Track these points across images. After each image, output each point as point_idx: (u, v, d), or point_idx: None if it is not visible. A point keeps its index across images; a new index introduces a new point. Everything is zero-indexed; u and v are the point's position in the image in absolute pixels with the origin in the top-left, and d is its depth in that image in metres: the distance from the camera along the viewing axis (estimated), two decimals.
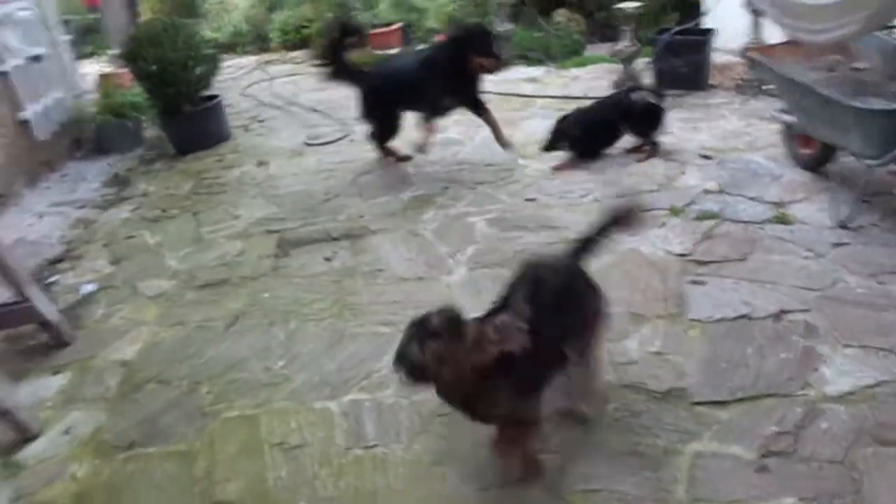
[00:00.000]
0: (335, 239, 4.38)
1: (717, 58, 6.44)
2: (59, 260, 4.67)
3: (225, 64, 7.68)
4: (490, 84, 7.07)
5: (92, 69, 8.75)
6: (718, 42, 6.38)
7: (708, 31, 6.42)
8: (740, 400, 2.67)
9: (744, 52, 4.65)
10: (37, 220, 5.35)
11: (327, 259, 4.15)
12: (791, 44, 4.30)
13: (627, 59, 6.54)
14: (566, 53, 7.77)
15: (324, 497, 2.48)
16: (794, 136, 4.48)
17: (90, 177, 6.25)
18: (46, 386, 3.32)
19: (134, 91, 6.72)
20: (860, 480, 2.26)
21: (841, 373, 2.73)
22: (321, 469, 2.60)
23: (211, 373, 3.24)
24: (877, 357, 2.78)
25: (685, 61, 6.13)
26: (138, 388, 3.21)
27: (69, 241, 4.95)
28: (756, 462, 2.38)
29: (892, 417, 2.48)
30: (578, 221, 4.19)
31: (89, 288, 4.22)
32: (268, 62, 9.66)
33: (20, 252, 4.48)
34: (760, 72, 4.78)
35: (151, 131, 6.95)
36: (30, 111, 5.96)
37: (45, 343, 3.64)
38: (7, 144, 5.67)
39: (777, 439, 2.46)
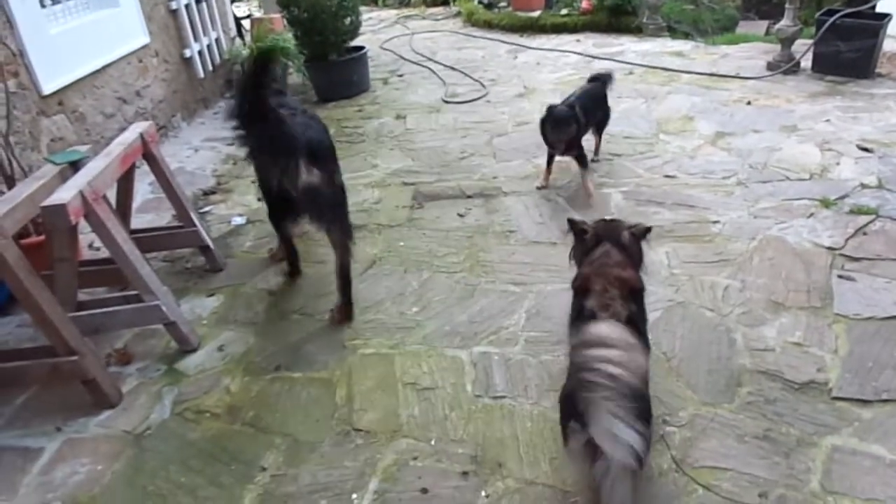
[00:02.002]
0: (469, 196, 4.50)
1: (887, 45, 5.97)
2: (212, 192, 5.05)
3: (366, 16, 7.88)
4: (634, 56, 6.96)
5: (240, 12, 9.19)
6: (891, 28, 5.90)
7: (884, 16, 5.94)
8: (885, 401, 2.58)
9: None
10: (193, 153, 5.78)
11: (460, 215, 4.27)
12: None
13: (787, 40, 6.18)
14: (717, 29, 7.44)
15: (453, 438, 2.62)
16: None
17: None
18: (202, 305, 3.64)
19: (285, 37, 7.03)
20: None
21: None
22: (451, 412, 2.74)
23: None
24: None
25: (852, 46, 5.72)
26: (284, 317, 3.47)
27: (220, 175, 5.32)
28: None
29: None
30: (720, 203, 4.10)
31: (239, 220, 4.55)
32: (408, 17, 9.82)
33: (180, 181, 4.86)
34: None
35: (296, 77, 7.26)
36: (192, 49, 6.39)
37: (201, 266, 3.98)
38: (171, 79, 6.13)
39: None
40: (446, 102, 6.30)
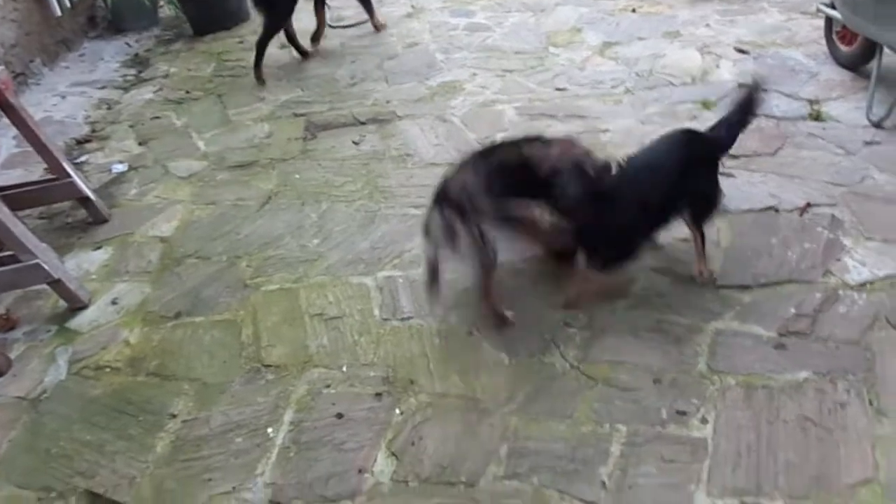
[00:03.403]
0: (362, 123, 4.41)
1: None
2: (86, 140, 4.72)
3: None
4: None
5: None
6: None
7: None
8: (763, 285, 2.78)
9: None
10: (60, 100, 5.35)
11: (355, 143, 4.19)
12: None
13: None
14: None
15: (364, 363, 2.64)
16: (836, 32, 4.39)
17: (108, 57, 6.19)
18: (89, 260, 3.45)
19: None
20: (872, 360, 2.41)
21: (862, 263, 2.83)
22: (361, 337, 2.76)
23: (249, 249, 3.36)
24: None
25: None
26: (179, 263, 3.34)
27: (94, 122, 4.98)
28: (775, 340, 2.52)
29: None
30: (609, 112, 4.19)
31: (120, 167, 4.29)
32: None
33: (48, 131, 4.51)
34: None
35: (168, 10, 6.79)
36: None
37: (83, 220, 3.76)
38: (22, 20, 5.57)
39: (796, 321, 2.59)
40: (332, 27, 6.04)
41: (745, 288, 2.78)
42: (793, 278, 2.80)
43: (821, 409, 2.26)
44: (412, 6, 6.37)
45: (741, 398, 2.33)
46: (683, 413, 2.30)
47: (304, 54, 5.54)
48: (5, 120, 3.46)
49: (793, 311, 2.64)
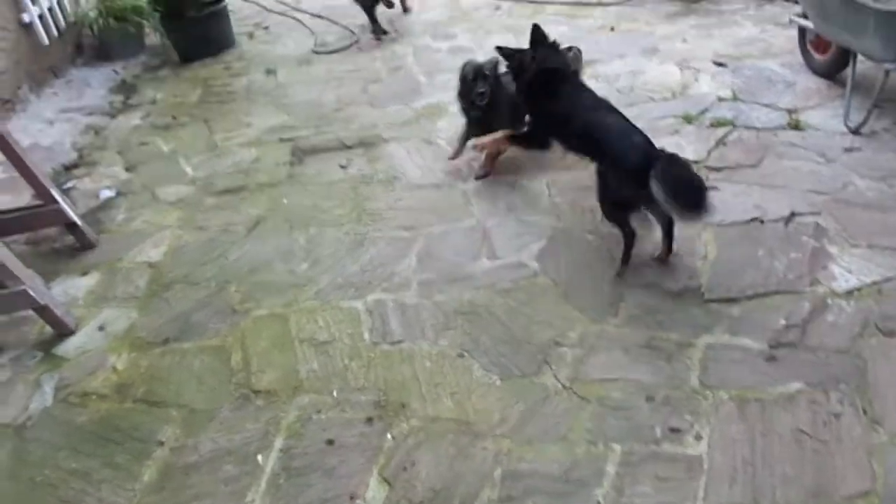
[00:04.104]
0: (349, 147, 4.41)
1: None
2: (74, 166, 4.69)
3: None
4: None
5: None
6: None
7: None
8: (751, 297, 2.79)
9: None
10: (47, 126, 5.32)
11: (342, 167, 4.19)
12: None
13: None
14: None
15: (355, 387, 2.62)
16: (809, 42, 4.45)
17: (95, 84, 6.17)
18: (76, 286, 3.42)
19: None
20: (864, 367, 2.42)
21: (848, 270, 2.85)
22: (351, 362, 2.74)
23: (237, 274, 3.34)
24: (883, 255, 2.90)
25: None
26: (167, 288, 3.32)
27: (81, 148, 4.95)
28: (765, 352, 2.53)
29: None
30: None
31: (108, 193, 4.27)
32: None
33: (36, 157, 4.49)
34: None
35: (154, 37, 6.79)
36: (31, 13, 5.81)
37: (70, 246, 3.73)
38: (11, 48, 5.57)
39: (785, 332, 2.60)
40: (316, 53, 6.07)
41: (733, 301, 2.79)
42: (780, 289, 2.82)
43: (815, 421, 2.26)
44: (395, 30, 6.42)
45: (734, 412, 2.33)
46: (677, 430, 2.29)
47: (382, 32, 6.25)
48: None
49: (782, 321, 2.65)
